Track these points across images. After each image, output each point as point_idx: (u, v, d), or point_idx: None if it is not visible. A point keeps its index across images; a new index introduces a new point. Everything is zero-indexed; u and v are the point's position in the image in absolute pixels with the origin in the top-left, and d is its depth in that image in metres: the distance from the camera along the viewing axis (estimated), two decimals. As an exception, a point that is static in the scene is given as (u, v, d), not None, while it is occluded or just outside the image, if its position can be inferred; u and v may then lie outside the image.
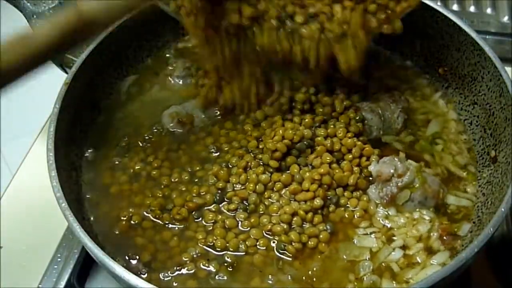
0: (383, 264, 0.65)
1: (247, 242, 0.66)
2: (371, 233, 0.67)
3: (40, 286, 0.78)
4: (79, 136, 0.77)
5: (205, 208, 0.70)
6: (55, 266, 0.79)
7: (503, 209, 0.59)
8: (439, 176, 0.73)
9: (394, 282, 0.63)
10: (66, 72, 0.82)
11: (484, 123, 0.76)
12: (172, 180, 0.73)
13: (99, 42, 0.79)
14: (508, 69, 0.72)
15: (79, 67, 0.75)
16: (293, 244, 0.65)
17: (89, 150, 0.77)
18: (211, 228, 0.68)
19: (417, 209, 0.68)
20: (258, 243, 0.66)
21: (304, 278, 0.64)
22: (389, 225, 0.68)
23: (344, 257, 0.65)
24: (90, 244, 0.59)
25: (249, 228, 0.68)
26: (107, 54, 0.81)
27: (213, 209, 0.69)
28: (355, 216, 0.68)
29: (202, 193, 0.71)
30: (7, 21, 1.22)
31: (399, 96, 0.79)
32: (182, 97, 0.82)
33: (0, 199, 0.87)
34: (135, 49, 0.87)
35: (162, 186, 0.72)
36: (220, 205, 0.70)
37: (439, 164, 0.74)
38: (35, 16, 0.81)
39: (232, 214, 0.69)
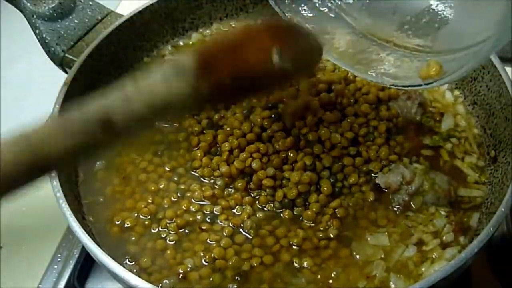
0: (399, 262, 0.64)
1: (252, 262, 0.64)
2: (386, 232, 0.66)
3: (40, 286, 0.78)
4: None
5: (197, 226, 0.68)
6: (55, 266, 0.79)
7: (503, 209, 0.59)
8: (446, 169, 0.72)
9: (404, 278, 0.63)
10: (66, 72, 0.82)
11: (484, 123, 0.76)
12: (160, 187, 0.71)
13: (99, 42, 0.79)
14: (508, 69, 0.72)
15: (79, 67, 0.75)
16: (306, 266, 0.64)
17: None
18: (207, 246, 0.66)
19: (434, 206, 0.68)
20: (263, 260, 0.64)
21: (319, 277, 0.63)
22: (409, 225, 0.67)
23: (358, 257, 0.65)
24: (90, 244, 0.59)
25: (251, 248, 0.65)
26: (107, 54, 0.81)
27: (205, 228, 0.67)
28: (378, 225, 0.67)
29: (192, 210, 0.69)
30: (7, 21, 1.22)
31: (414, 92, 0.78)
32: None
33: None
34: (135, 49, 0.87)
35: (151, 193, 0.71)
36: (213, 225, 0.67)
37: (448, 160, 0.73)
38: (35, 16, 0.81)
39: (228, 236, 0.66)
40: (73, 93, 0.73)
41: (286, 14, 0.71)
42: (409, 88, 0.67)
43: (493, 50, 0.52)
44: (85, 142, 0.46)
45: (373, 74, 0.66)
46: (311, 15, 0.71)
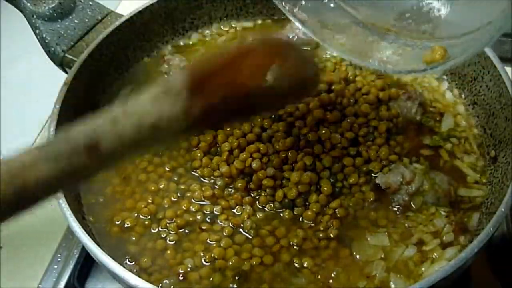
0: (399, 262, 0.64)
1: (252, 262, 0.64)
2: (386, 232, 0.66)
3: (40, 286, 0.78)
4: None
5: (197, 226, 0.68)
6: (55, 266, 0.79)
7: (503, 209, 0.59)
8: (446, 169, 0.72)
9: (404, 278, 0.63)
10: (66, 72, 0.82)
11: (484, 123, 0.76)
12: (160, 187, 0.71)
13: (99, 42, 0.79)
14: (508, 69, 0.72)
15: (79, 67, 0.75)
16: (306, 266, 0.64)
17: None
18: (207, 246, 0.66)
19: (434, 206, 0.68)
20: (263, 260, 0.64)
21: (319, 277, 0.63)
22: (409, 225, 0.67)
23: (358, 257, 0.64)
24: (90, 244, 0.59)
25: (251, 248, 0.65)
26: (107, 54, 0.81)
27: (205, 228, 0.67)
28: (378, 225, 0.67)
29: (192, 210, 0.69)
30: (7, 21, 1.22)
31: (414, 92, 0.78)
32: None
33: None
34: (135, 49, 0.87)
35: (151, 193, 0.71)
36: (213, 225, 0.67)
37: (448, 160, 0.73)
38: (35, 16, 0.81)
39: (228, 236, 0.66)
40: (73, 93, 0.73)
41: (284, 5, 0.70)
42: (412, 74, 0.66)
43: (495, 35, 0.52)
44: (70, 169, 0.43)
45: (375, 63, 0.66)
46: (310, 5, 0.71)
